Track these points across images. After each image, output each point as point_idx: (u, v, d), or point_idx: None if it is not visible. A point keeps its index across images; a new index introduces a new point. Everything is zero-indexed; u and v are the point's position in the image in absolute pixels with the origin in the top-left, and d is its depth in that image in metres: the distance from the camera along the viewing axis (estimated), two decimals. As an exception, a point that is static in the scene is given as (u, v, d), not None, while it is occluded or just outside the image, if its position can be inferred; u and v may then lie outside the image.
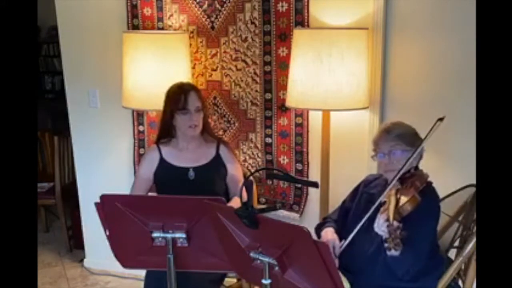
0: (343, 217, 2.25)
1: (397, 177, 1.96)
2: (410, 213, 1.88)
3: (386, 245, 1.79)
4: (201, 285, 2.34)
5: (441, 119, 1.99)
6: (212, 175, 2.58)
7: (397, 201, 1.90)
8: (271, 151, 2.98)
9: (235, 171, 2.64)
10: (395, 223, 1.80)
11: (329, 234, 2.17)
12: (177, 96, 2.50)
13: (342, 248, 2.04)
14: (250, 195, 2.72)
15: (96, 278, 3.56)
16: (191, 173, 2.56)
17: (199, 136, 2.59)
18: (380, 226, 1.89)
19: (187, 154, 2.58)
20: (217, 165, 2.60)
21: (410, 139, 2.05)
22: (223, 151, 2.63)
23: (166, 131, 2.59)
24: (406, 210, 1.87)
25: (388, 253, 1.82)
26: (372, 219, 2.04)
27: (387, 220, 1.82)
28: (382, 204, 2.01)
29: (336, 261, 1.99)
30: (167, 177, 2.59)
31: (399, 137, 2.04)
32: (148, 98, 2.79)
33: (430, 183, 2.07)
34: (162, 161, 2.58)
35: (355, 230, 1.98)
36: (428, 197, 1.98)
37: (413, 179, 1.99)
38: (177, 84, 2.58)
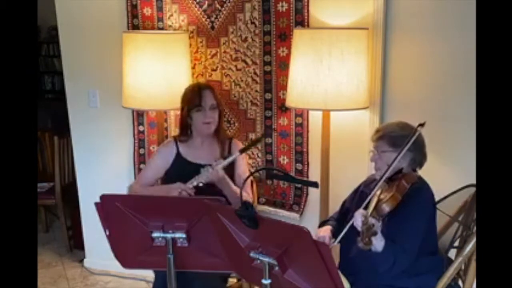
0: (343, 216, 2.25)
1: (384, 178, 2.01)
2: (395, 211, 1.92)
3: (358, 238, 1.81)
4: (209, 281, 2.36)
5: (421, 125, 2.04)
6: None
7: (378, 200, 1.96)
8: (271, 151, 2.98)
9: (241, 169, 2.66)
10: (371, 219, 1.83)
11: (322, 230, 2.23)
12: (192, 94, 2.60)
13: (332, 245, 2.06)
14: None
15: (96, 278, 3.56)
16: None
17: (213, 135, 2.65)
18: (356, 219, 1.91)
19: (202, 152, 2.64)
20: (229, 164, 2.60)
21: (392, 140, 2.07)
22: (234, 150, 2.66)
23: (185, 129, 2.67)
24: (384, 210, 1.92)
25: (372, 248, 1.86)
26: None
27: (364, 216, 1.84)
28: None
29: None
30: (181, 172, 2.63)
31: (382, 138, 2.10)
32: (148, 98, 2.80)
33: (423, 182, 2.08)
34: (178, 155, 2.66)
35: (345, 230, 2.00)
36: (418, 195, 2.01)
37: (399, 179, 2.01)
38: (193, 84, 2.73)
